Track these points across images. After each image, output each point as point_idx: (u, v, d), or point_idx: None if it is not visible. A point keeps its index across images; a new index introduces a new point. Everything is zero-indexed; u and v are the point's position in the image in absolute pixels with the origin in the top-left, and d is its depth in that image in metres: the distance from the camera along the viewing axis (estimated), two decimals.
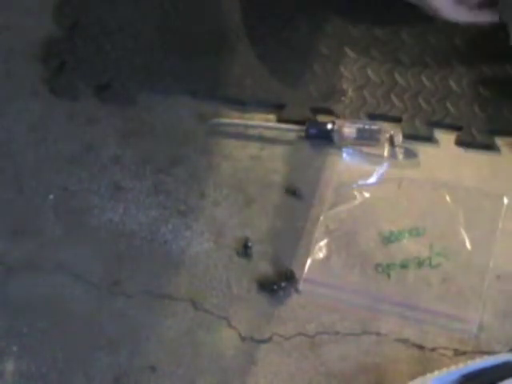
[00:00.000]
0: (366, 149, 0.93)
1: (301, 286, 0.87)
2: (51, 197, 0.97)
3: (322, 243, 0.88)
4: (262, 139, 0.97)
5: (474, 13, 0.91)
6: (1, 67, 1.07)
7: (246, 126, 0.97)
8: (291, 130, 0.96)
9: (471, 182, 0.90)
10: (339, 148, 0.93)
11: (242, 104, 0.99)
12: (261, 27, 1.02)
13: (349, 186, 0.91)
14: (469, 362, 0.77)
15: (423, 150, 0.93)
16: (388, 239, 0.87)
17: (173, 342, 0.87)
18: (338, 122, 0.93)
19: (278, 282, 0.87)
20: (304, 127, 0.94)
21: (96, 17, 1.07)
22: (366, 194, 0.90)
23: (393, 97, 0.95)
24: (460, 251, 0.85)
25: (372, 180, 0.91)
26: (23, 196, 0.97)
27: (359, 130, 0.92)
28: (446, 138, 0.93)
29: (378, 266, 0.86)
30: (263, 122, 0.97)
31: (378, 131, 0.92)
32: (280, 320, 0.86)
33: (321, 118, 0.96)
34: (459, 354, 0.81)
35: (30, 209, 0.96)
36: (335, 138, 0.93)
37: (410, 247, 0.87)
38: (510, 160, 0.91)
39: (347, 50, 0.99)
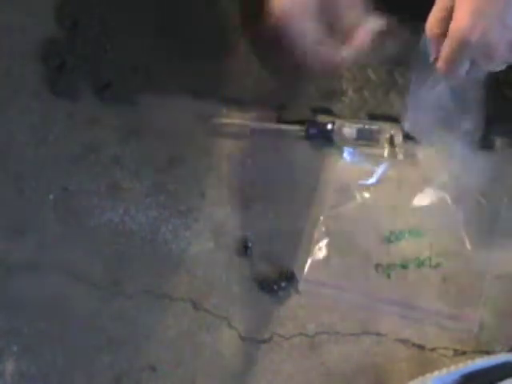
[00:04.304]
0: (365, 149, 0.93)
1: (301, 286, 0.87)
2: (51, 197, 0.97)
3: (322, 243, 0.88)
4: (261, 139, 0.97)
5: None
6: (1, 67, 1.06)
7: (246, 126, 0.97)
8: (291, 130, 0.96)
9: (471, 181, 0.90)
10: (339, 148, 0.93)
11: (242, 104, 0.99)
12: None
13: (349, 186, 0.91)
14: (469, 361, 0.78)
15: (423, 149, 0.93)
16: (388, 239, 0.87)
17: (173, 342, 0.87)
18: (338, 122, 0.93)
19: (278, 282, 0.87)
20: (304, 127, 0.94)
21: (96, 17, 1.07)
22: (366, 194, 0.90)
23: (393, 97, 0.95)
24: (460, 251, 0.85)
25: (372, 180, 0.91)
26: (23, 196, 0.97)
27: (359, 130, 0.92)
28: None
29: (378, 266, 0.86)
30: (263, 122, 0.97)
31: (378, 131, 0.92)
32: (280, 320, 0.86)
33: (321, 117, 0.96)
34: (459, 354, 0.81)
35: (30, 209, 0.96)
36: (335, 138, 0.93)
37: (410, 247, 0.87)
38: (510, 160, 0.91)
39: None
